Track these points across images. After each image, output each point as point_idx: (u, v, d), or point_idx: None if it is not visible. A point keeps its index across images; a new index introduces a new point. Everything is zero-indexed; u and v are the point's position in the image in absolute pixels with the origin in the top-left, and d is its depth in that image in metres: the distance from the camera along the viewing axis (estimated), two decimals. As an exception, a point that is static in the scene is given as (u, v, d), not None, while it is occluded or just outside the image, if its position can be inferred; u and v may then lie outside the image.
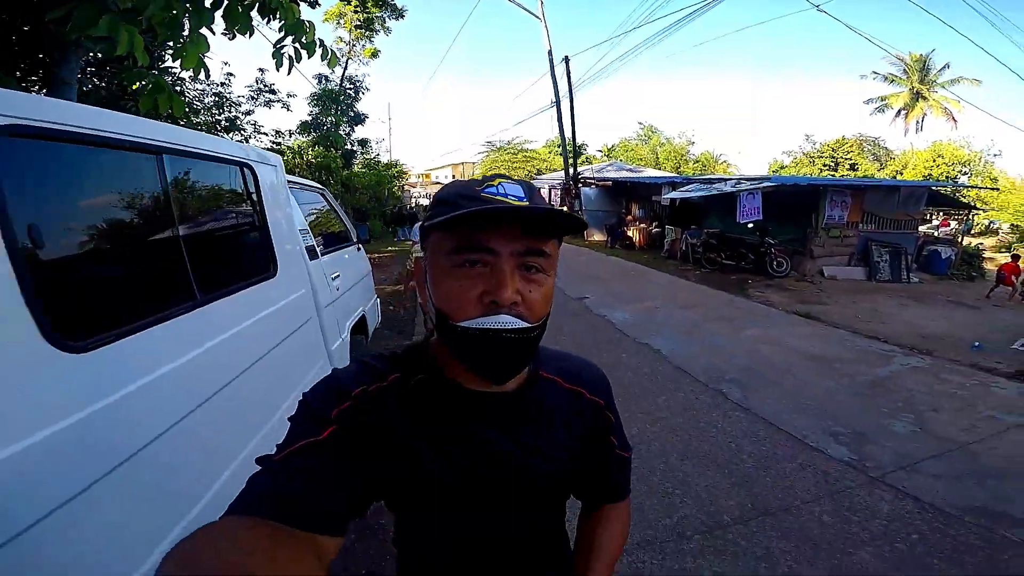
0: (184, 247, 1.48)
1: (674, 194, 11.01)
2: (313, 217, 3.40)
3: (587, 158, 41.11)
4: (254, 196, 2.03)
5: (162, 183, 1.44)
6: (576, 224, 0.56)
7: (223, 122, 13.20)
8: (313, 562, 0.46)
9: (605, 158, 39.15)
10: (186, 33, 2.11)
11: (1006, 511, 2.58)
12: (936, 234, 15.03)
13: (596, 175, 16.78)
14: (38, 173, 1.07)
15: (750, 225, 9.63)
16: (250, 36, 2.31)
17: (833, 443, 3.31)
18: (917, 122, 28.67)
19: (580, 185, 16.12)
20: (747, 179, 10.70)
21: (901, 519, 2.53)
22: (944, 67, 26.42)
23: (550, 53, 16.79)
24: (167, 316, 1.34)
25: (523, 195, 0.57)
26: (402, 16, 11.29)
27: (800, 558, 2.22)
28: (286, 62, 2.46)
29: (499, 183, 0.58)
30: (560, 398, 0.72)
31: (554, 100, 16.49)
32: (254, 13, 2.37)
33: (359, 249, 4.20)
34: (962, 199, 13.34)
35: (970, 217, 23.71)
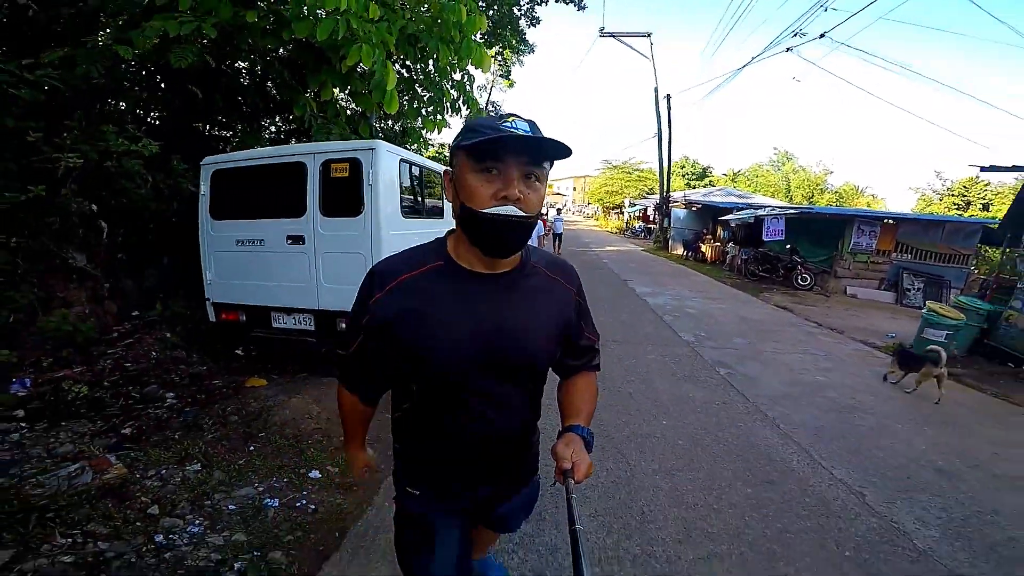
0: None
1: (728, 217, 13.60)
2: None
3: (711, 181, 41.78)
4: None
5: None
6: (563, 150, 0.79)
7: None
8: (370, 410, 1.10)
9: (730, 182, 39.59)
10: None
11: (747, 375, 5.13)
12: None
13: (683, 198, 19.46)
14: (403, 173, 4.04)
15: (788, 246, 11.94)
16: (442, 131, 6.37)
17: (691, 337, 6.28)
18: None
19: (670, 205, 19.00)
20: (781, 206, 12.73)
21: (688, 358, 5.31)
22: None
23: (656, 90, 19.63)
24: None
25: (529, 130, 0.77)
26: (532, 51, 14.36)
27: (630, 357, 5.69)
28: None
29: (512, 119, 0.77)
30: (544, 281, 0.99)
31: (657, 131, 19.55)
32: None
33: None
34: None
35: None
